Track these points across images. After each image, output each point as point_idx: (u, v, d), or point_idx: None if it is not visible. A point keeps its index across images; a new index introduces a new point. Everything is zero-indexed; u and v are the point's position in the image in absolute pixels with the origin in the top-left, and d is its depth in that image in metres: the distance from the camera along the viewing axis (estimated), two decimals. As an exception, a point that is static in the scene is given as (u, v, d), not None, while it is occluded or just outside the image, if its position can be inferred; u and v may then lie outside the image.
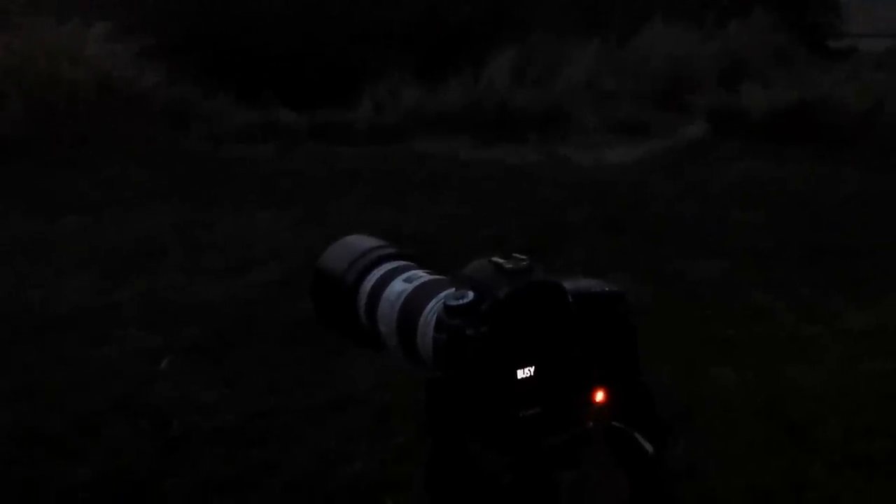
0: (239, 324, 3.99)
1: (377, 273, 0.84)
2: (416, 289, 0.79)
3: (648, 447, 0.75)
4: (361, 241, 0.89)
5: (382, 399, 3.11)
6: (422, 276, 0.82)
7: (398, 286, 0.81)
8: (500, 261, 0.70)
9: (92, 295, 4.39)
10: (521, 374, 0.69)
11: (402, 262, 0.85)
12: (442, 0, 9.19)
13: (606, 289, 0.74)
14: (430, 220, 5.62)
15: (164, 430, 2.97)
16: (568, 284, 0.72)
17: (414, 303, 0.78)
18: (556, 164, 7.31)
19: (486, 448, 0.70)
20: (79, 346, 3.72)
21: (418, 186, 6.72)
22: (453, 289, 0.72)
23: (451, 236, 5.14)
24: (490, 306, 0.68)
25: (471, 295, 0.69)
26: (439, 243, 4.94)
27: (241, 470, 2.80)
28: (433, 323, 0.72)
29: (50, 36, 7.80)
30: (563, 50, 9.12)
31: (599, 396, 0.73)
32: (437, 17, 9.04)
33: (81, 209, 6.00)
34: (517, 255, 0.71)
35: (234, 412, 3.15)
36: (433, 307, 0.74)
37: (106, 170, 7.03)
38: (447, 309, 0.69)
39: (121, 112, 7.77)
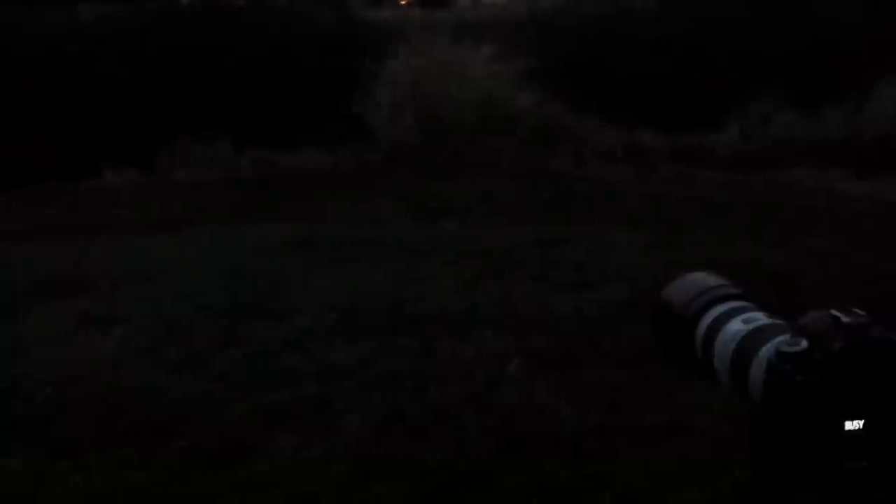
0: (584, 339, 4.13)
1: (717, 310, 0.89)
2: (753, 331, 0.84)
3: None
4: (706, 279, 0.95)
5: (724, 431, 3.05)
6: (760, 318, 0.86)
7: (736, 326, 0.86)
8: (839, 314, 0.73)
9: (456, 296, 4.78)
10: (849, 426, 0.71)
11: (742, 303, 0.90)
12: (829, 25, 8.66)
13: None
14: (795, 255, 5.36)
15: (506, 429, 3.18)
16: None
17: (749, 344, 0.83)
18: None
19: (811, 496, 0.73)
20: (442, 341, 4.08)
21: (784, 218, 6.42)
22: (788, 335, 0.76)
23: (818, 274, 4.86)
24: (822, 357, 0.71)
25: (804, 343, 0.72)
26: (804, 281, 4.70)
27: (574, 479, 2.91)
28: (765, 365, 0.76)
29: (443, 56, 8.55)
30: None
31: None
32: (822, 42, 8.53)
33: (455, 216, 6.53)
34: (856, 310, 0.73)
35: (573, 423, 3.27)
36: (767, 350, 0.78)
37: (479, 182, 7.57)
38: (779, 354, 0.73)
39: (497, 129, 8.32)
